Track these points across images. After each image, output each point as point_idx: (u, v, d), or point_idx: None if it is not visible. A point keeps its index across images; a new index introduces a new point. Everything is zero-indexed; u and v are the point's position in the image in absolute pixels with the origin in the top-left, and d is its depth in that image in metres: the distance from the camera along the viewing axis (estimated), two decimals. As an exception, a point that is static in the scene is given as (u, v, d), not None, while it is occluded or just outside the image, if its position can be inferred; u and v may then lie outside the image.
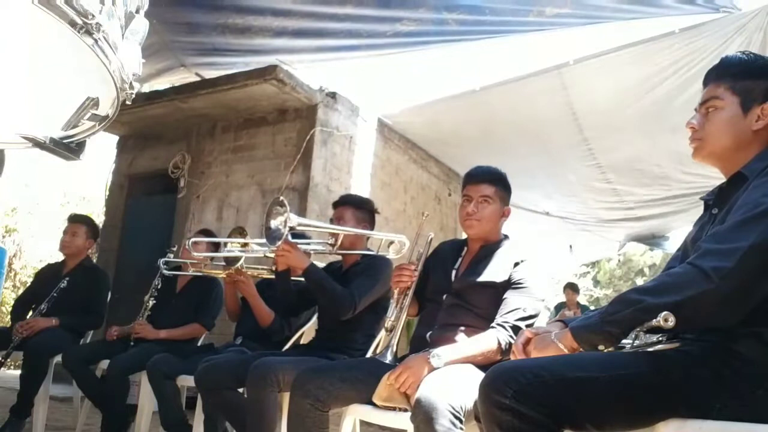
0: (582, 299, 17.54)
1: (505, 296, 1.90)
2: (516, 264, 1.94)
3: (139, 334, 3.06)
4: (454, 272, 2.05)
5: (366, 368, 1.91)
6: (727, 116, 1.29)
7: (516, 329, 1.80)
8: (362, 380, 1.85)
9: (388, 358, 1.87)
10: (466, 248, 2.12)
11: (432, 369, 1.69)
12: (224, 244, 2.93)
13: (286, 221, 2.18)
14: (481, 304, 1.94)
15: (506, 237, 2.11)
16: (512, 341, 1.76)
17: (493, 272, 1.96)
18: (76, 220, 3.63)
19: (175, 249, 3.32)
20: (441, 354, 1.74)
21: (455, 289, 2.00)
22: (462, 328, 1.90)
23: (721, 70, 1.33)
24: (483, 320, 1.89)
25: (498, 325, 1.84)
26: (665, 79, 4.26)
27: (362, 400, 1.85)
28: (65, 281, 3.29)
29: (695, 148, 1.35)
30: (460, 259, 2.09)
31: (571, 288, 7.19)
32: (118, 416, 2.97)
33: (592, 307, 7.63)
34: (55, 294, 3.23)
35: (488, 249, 2.04)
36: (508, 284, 1.92)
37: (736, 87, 1.29)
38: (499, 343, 1.78)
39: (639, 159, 5.59)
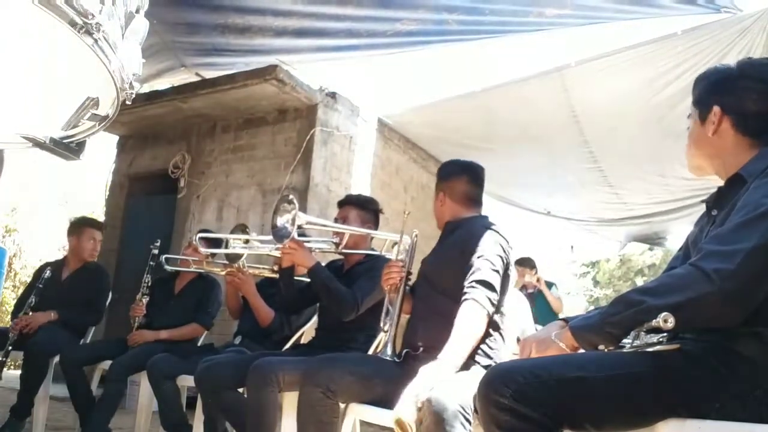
0: (581, 299, 17.44)
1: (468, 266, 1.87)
2: (473, 237, 1.92)
3: (137, 342, 3.05)
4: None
5: (372, 366, 1.92)
6: (693, 131, 1.36)
7: (486, 284, 1.78)
8: (368, 377, 1.86)
9: (388, 354, 1.87)
10: None
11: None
12: (226, 242, 2.91)
13: (294, 219, 2.18)
14: (448, 284, 1.92)
15: (473, 217, 2.09)
16: (490, 295, 1.76)
17: (451, 248, 1.98)
18: (94, 225, 3.68)
19: (158, 244, 3.28)
20: (448, 361, 1.67)
21: (423, 275, 2.04)
22: (439, 316, 1.86)
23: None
24: (455, 301, 1.82)
25: (468, 289, 1.79)
26: (669, 83, 4.22)
27: (368, 396, 1.85)
28: (48, 270, 3.29)
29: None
30: None
31: (521, 264, 5.07)
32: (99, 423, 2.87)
33: (553, 284, 5.49)
34: (40, 285, 3.21)
35: (447, 229, 2.11)
36: (469, 256, 1.87)
37: (695, 100, 1.37)
38: (479, 303, 1.74)
39: (639, 162, 5.57)
